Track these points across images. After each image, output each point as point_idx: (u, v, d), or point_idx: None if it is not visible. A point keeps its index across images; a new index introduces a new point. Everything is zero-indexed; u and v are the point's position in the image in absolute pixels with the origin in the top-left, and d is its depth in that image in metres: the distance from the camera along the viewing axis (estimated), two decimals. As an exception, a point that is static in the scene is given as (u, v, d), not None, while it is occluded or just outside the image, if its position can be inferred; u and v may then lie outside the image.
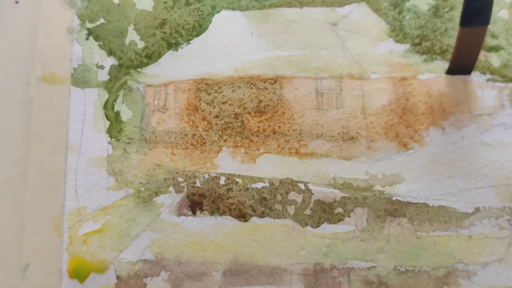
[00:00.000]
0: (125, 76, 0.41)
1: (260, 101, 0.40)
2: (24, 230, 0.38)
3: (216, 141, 0.40)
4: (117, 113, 0.40)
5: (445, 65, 0.41)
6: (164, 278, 0.37)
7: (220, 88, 0.41)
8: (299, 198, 0.38)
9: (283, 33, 0.42)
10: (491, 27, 0.41)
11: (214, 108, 0.40)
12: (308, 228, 0.38)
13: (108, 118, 0.40)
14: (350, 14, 0.42)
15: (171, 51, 0.42)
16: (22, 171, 0.39)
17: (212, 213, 0.38)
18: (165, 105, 0.41)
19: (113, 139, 0.40)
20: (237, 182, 0.39)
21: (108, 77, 0.41)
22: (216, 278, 0.37)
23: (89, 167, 0.39)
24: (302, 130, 0.40)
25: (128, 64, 0.41)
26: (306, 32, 0.42)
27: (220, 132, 0.40)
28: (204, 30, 0.42)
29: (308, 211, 0.38)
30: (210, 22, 0.42)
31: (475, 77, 0.40)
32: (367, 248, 0.38)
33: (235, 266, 0.38)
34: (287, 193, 0.39)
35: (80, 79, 0.41)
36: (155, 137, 0.40)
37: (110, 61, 0.41)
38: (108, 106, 0.41)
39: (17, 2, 0.43)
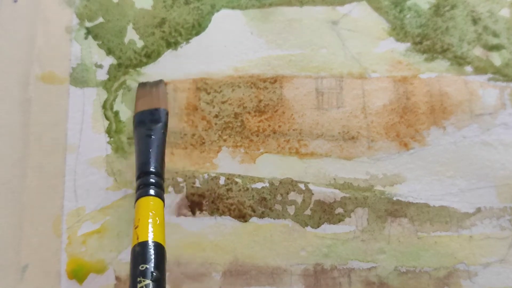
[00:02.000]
0: (124, 76, 0.41)
1: (260, 101, 0.40)
2: (22, 231, 0.38)
3: (215, 141, 0.39)
4: (116, 113, 0.40)
5: (446, 64, 0.40)
6: (164, 279, 0.37)
7: (219, 87, 0.40)
8: (299, 198, 0.38)
9: (283, 32, 0.41)
10: (492, 26, 0.41)
11: (213, 108, 0.40)
12: (308, 228, 0.38)
13: (107, 118, 0.40)
14: (351, 13, 0.42)
15: (170, 50, 0.41)
16: (21, 171, 0.39)
17: (211, 213, 0.38)
18: (164, 104, 0.40)
19: (112, 139, 0.40)
20: (236, 182, 0.39)
21: (107, 76, 0.41)
22: (216, 278, 0.37)
23: (88, 167, 0.39)
24: (302, 130, 0.40)
25: (127, 64, 0.41)
26: (306, 31, 0.41)
27: (219, 132, 0.40)
28: (203, 29, 0.42)
29: (308, 212, 0.38)
30: (210, 21, 0.42)
31: (476, 76, 0.40)
32: (368, 248, 0.37)
33: (234, 266, 0.37)
34: (287, 193, 0.38)
35: (79, 78, 0.41)
36: (155, 137, 0.40)
37: (109, 61, 0.41)
38: (107, 106, 0.40)
39: (15, 1, 0.42)
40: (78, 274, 0.37)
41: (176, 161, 0.39)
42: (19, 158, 0.39)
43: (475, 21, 0.41)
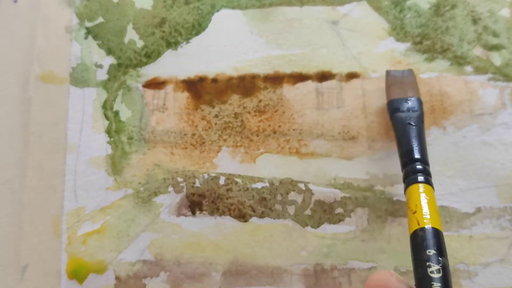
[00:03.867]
0: (124, 76, 0.41)
1: (260, 101, 0.40)
2: (22, 231, 0.38)
3: (215, 141, 0.40)
4: (116, 113, 0.40)
5: (446, 64, 0.40)
6: (164, 279, 0.37)
7: (219, 87, 0.40)
8: (299, 198, 0.38)
9: (283, 32, 0.41)
10: (492, 26, 0.41)
11: (213, 108, 0.40)
12: (308, 228, 0.38)
13: (107, 118, 0.40)
14: (351, 13, 0.42)
15: (170, 50, 0.41)
16: (21, 171, 0.39)
17: (211, 213, 0.38)
18: (164, 104, 0.40)
19: (112, 139, 0.40)
20: (236, 182, 0.39)
21: (107, 76, 0.41)
22: (216, 278, 0.37)
23: (88, 167, 0.39)
24: (302, 130, 0.40)
25: (127, 63, 0.41)
26: (306, 31, 0.41)
27: (219, 132, 0.40)
28: (203, 29, 0.42)
29: (308, 211, 0.38)
30: (210, 21, 0.42)
31: (476, 76, 0.40)
32: (368, 248, 0.37)
33: (235, 266, 0.37)
34: (287, 193, 0.38)
35: (78, 78, 0.41)
36: (154, 136, 0.40)
37: (109, 60, 0.41)
38: (107, 106, 0.40)
39: (15, 1, 0.42)
40: (78, 274, 0.37)
41: (176, 161, 0.39)
42: (19, 158, 0.39)
43: (475, 21, 0.41)
